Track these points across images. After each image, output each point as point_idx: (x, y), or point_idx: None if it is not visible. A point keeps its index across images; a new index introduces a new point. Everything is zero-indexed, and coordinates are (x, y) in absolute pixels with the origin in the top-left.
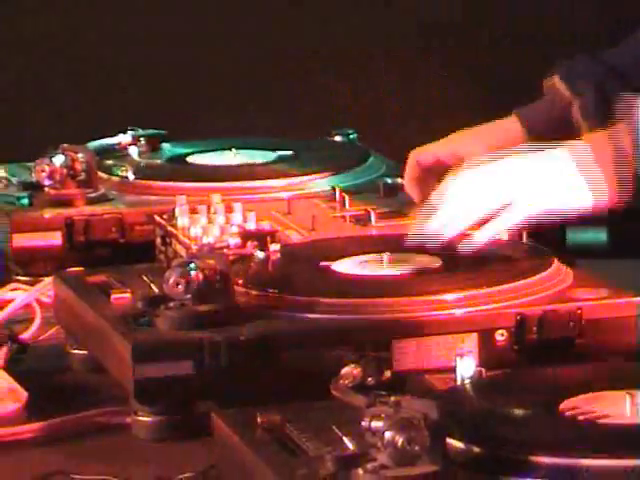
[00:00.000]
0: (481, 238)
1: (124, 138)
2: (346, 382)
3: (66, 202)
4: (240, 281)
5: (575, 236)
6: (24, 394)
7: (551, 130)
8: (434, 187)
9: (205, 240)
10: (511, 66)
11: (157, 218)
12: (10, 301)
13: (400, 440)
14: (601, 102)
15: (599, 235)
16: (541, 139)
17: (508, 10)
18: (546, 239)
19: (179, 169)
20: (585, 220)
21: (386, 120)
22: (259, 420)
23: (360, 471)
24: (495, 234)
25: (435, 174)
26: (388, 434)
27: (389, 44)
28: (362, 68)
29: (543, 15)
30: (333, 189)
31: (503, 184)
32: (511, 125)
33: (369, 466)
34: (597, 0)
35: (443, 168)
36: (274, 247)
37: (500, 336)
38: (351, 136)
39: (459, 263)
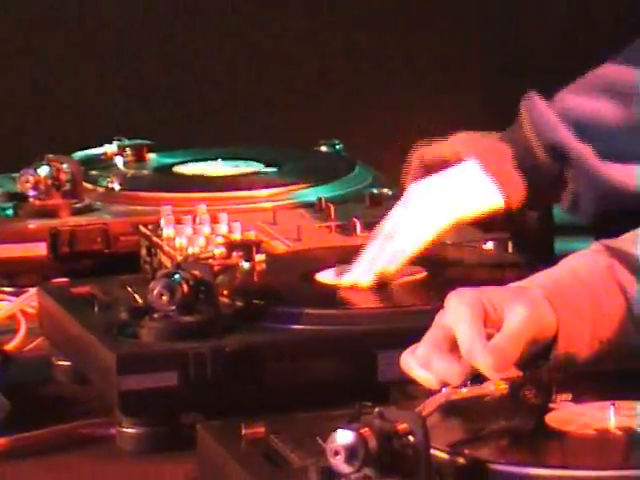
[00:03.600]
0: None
1: (110, 148)
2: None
3: (51, 213)
4: (225, 292)
5: (563, 245)
6: (7, 405)
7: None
8: None
9: (190, 251)
10: (509, 79)
11: (142, 229)
12: None
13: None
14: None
15: (587, 244)
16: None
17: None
18: (534, 249)
19: (165, 179)
20: (572, 229)
21: (372, 130)
22: (243, 432)
23: None
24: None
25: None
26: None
27: (377, 55)
28: (349, 78)
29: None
30: (319, 199)
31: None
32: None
33: (353, 477)
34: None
35: (443, 166)
36: (259, 257)
37: None
38: (337, 146)
39: (444, 273)
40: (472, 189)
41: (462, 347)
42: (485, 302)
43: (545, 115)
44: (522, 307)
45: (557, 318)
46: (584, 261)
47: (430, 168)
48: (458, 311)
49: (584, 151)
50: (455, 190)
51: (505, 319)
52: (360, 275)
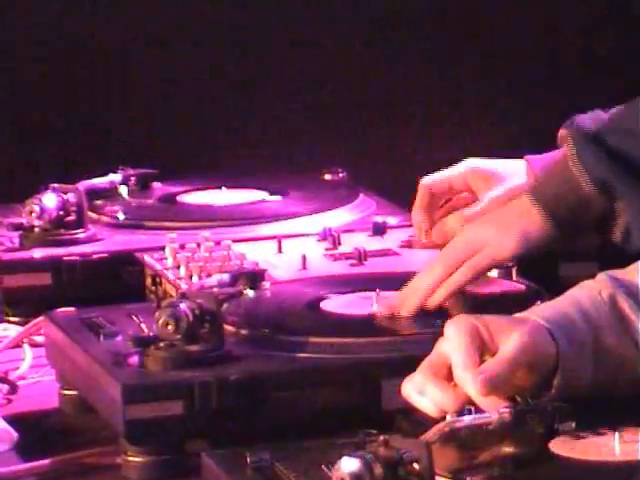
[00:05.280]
0: (443, 292)
1: (114, 178)
2: None
3: (56, 242)
4: (230, 320)
5: (568, 271)
6: (14, 435)
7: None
8: (442, 215)
9: (195, 279)
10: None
11: (147, 258)
12: (0, 341)
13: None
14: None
15: (591, 269)
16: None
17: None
18: (539, 274)
19: (169, 208)
20: (577, 255)
21: (376, 159)
22: (249, 460)
23: None
24: (457, 286)
25: (445, 201)
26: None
27: (381, 83)
28: (353, 107)
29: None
30: (323, 228)
31: (469, 237)
32: (519, 169)
33: None
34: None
35: (454, 195)
36: (264, 286)
37: None
38: (341, 175)
39: (449, 301)
40: (528, 234)
41: (455, 374)
42: (482, 330)
43: (591, 150)
44: (517, 334)
45: (558, 349)
46: (587, 293)
47: (438, 197)
48: (455, 339)
49: (630, 186)
50: (508, 234)
51: (500, 346)
52: (399, 304)
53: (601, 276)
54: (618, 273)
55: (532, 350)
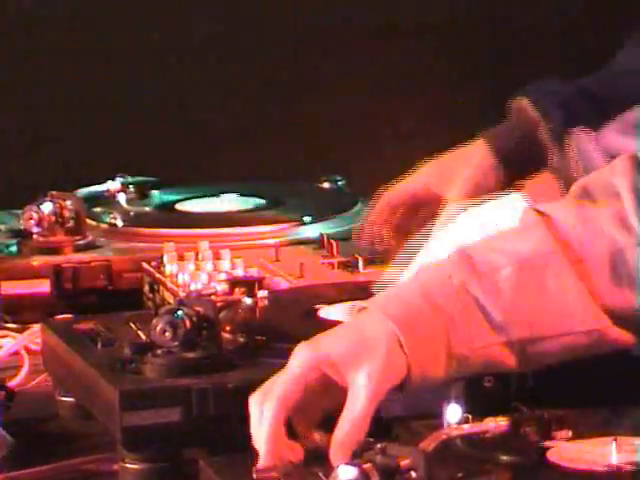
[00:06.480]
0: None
1: (113, 185)
2: None
3: (54, 250)
4: (228, 328)
5: None
6: (11, 442)
7: (518, 151)
8: (408, 225)
9: (193, 287)
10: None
11: (145, 265)
12: None
13: None
14: (568, 122)
15: None
16: (509, 161)
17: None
18: None
19: (167, 216)
20: None
21: (374, 166)
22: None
23: None
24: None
25: (410, 210)
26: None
27: (380, 91)
28: (351, 115)
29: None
30: (321, 236)
31: None
32: (478, 150)
33: None
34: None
35: (418, 202)
36: (262, 294)
37: (487, 382)
38: (339, 182)
39: None
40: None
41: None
42: (326, 367)
43: (591, 154)
44: (366, 379)
45: (409, 353)
46: (437, 278)
47: (402, 208)
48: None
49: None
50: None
51: (348, 395)
52: None
53: (454, 255)
54: (473, 251)
55: (387, 380)
